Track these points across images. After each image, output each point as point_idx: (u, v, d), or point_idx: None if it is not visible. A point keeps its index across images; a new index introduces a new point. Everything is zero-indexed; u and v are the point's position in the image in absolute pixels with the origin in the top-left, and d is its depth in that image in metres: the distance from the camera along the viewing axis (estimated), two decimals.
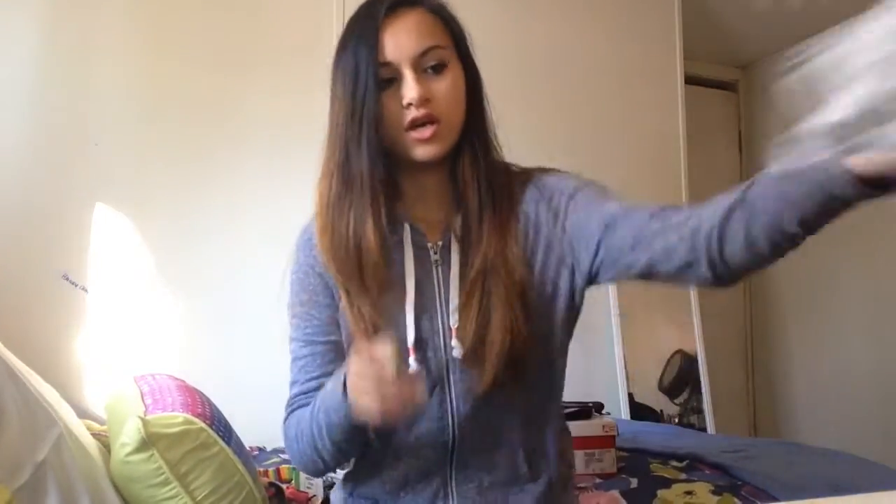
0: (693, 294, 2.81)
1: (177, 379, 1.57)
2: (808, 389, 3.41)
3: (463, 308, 0.91)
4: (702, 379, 2.75)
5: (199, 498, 1.00)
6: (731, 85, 3.84)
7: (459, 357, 0.90)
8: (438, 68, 0.89)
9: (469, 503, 0.93)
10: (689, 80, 3.11)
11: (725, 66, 3.79)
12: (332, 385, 0.85)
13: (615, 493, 1.42)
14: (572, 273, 0.92)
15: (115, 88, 2.01)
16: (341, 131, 0.89)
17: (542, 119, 2.56)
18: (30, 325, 1.83)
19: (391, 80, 0.88)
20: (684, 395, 2.71)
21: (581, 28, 2.74)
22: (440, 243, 0.95)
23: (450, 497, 0.93)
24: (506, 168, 0.99)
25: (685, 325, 2.79)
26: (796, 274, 3.48)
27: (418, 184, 0.95)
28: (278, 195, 2.15)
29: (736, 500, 1.40)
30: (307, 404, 0.92)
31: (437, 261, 0.94)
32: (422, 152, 0.89)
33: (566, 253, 0.92)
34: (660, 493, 1.44)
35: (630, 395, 2.59)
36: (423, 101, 0.86)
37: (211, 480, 1.02)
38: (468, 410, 0.91)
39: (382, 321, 0.89)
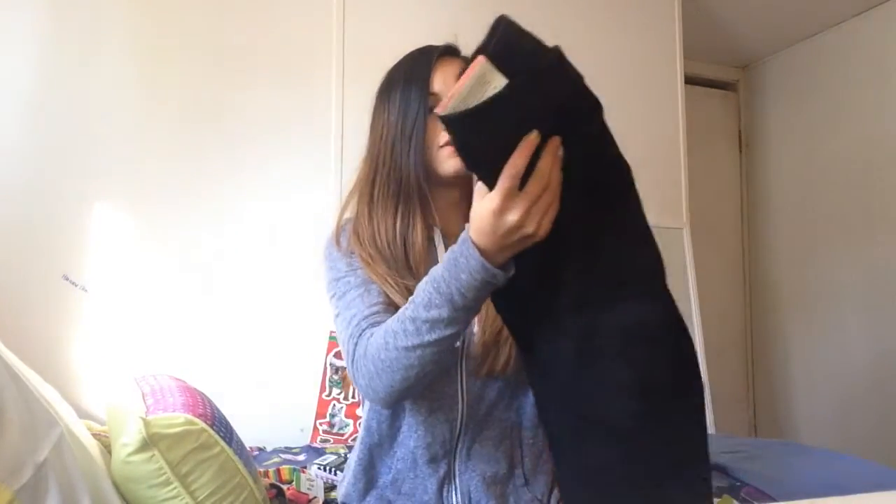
0: (693, 294, 2.81)
1: (178, 379, 1.56)
2: (808, 389, 3.41)
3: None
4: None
5: (200, 498, 1.00)
6: (731, 85, 3.84)
7: (478, 342, 1.01)
8: None
9: (471, 493, 1.02)
10: (689, 80, 3.11)
11: (725, 66, 3.79)
12: (454, 256, 0.82)
13: None
14: None
15: (116, 88, 2.01)
16: (391, 145, 1.05)
17: None
18: (30, 325, 1.83)
19: (432, 109, 1.03)
20: None
21: (581, 28, 2.74)
22: None
23: (454, 487, 1.02)
24: None
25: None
26: (796, 275, 3.48)
27: (448, 197, 1.10)
28: (279, 195, 2.16)
29: (735, 501, 1.40)
30: (380, 322, 0.93)
31: None
32: (451, 165, 1.04)
33: None
34: None
35: None
36: None
37: (212, 481, 1.02)
38: (477, 390, 1.02)
39: None
